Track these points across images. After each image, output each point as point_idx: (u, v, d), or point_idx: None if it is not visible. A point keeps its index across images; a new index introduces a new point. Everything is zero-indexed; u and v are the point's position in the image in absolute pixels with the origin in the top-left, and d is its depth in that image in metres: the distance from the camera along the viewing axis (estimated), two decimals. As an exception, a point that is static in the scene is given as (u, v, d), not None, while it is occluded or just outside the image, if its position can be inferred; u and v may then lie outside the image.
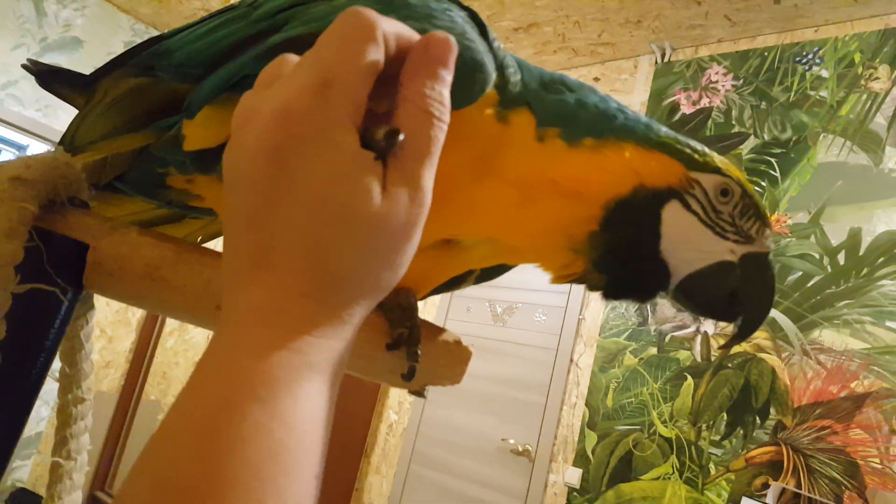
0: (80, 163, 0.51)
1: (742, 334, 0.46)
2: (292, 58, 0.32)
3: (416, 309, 0.46)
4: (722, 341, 2.71)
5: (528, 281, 3.45)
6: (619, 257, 0.45)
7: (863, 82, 2.70)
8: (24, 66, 0.56)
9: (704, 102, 3.12)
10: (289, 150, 0.28)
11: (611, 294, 0.47)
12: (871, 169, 2.58)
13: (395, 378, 0.44)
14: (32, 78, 0.55)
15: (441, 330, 0.48)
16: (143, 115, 0.48)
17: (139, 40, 4.03)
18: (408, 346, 0.44)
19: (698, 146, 0.47)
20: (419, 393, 0.47)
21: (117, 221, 0.42)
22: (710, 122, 3.07)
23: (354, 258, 0.29)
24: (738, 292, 0.45)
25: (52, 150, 0.45)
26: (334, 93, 0.28)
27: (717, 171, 0.46)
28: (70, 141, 0.51)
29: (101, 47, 4.14)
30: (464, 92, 0.38)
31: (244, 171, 0.29)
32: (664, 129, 0.47)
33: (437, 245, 0.47)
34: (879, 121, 2.61)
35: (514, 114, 0.43)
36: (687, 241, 0.44)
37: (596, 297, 2.28)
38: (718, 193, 0.45)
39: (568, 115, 0.44)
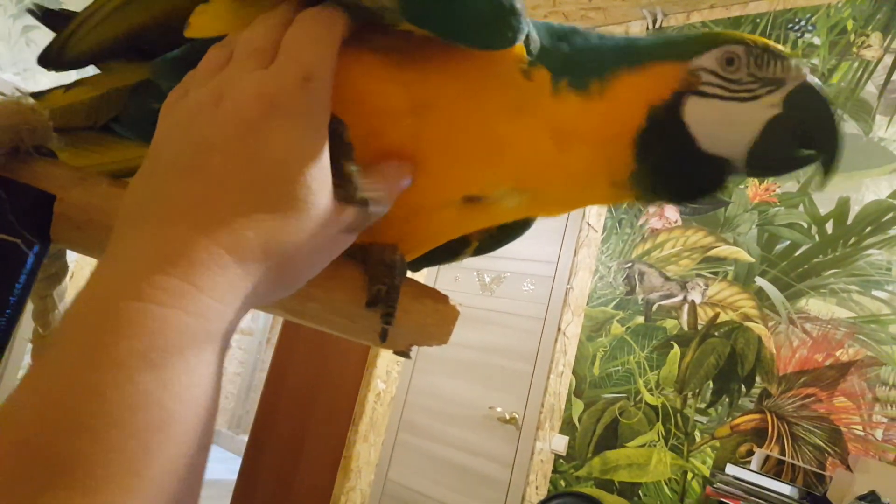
0: (61, 103, 0.49)
1: (828, 170, 0.44)
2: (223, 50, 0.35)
3: (396, 267, 0.45)
4: (710, 311, 2.72)
5: (516, 251, 3.44)
6: (668, 178, 0.44)
7: (854, 50, 2.68)
8: (29, 11, 0.53)
9: (695, 70, 3.10)
10: (269, 124, 0.31)
11: (678, 201, 0.47)
12: (861, 138, 2.57)
13: (376, 338, 0.43)
14: (9, 40, 0.51)
15: (428, 289, 0.47)
16: (150, 22, 0.46)
17: None
18: (384, 307, 0.43)
19: (680, 37, 0.46)
20: (404, 353, 0.46)
21: (87, 171, 0.39)
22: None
23: (296, 241, 0.30)
24: (803, 136, 0.43)
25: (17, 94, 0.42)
26: (315, 86, 0.33)
27: (711, 46, 0.44)
28: (57, 54, 0.49)
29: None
30: (497, 32, 0.39)
31: (204, 132, 0.31)
32: (642, 40, 0.46)
33: (456, 207, 0.46)
34: (870, 89, 2.60)
35: (535, 70, 0.43)
36: (723, 126, 0.42)
37: (585, 266, 2.29)
38: (724, 66, 0.44)
39: (571, 63, 0.44)
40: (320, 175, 0.32)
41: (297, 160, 0.31)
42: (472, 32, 0.40)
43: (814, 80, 0.43)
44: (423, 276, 3.80)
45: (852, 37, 2.70)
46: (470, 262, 3.62)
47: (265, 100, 0.31)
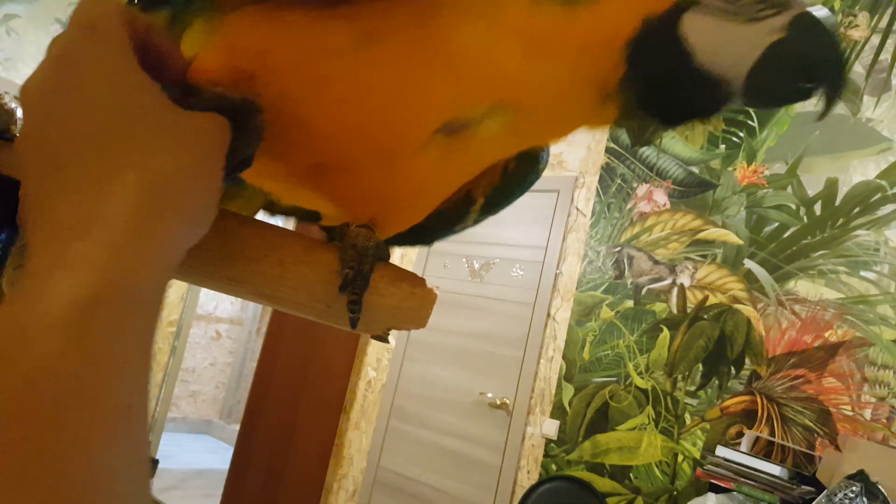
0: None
1: (829, 102, 0.42)
2: None
3: (369, 253, 0.43)
4: (699, 294, 2.73)
5: (505, 236, 3.43)
6: (658, 91, 0.41)
7: (842, 30, 2.67)
8: None
9: (683, 52, 3.08)
10: (69, 81, 0.31)
11: (667, 120, 0.44)
12: (849, 119, 2.57)
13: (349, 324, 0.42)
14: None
15: (405, 272, 0.45)
16: None
17: None
18: (351, 292, 0.41)
19: None
20: (382, 338, 0.44)
21: None
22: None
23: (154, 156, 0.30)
24: (804, 64, 0.41)
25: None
26: (99, 32, 0.32)
27: None
28: None
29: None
30: None
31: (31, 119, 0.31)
32: None
33: (437, 144, 0.43)
34: (858, 69, 2.59)
35: None
36: (721, 44, 0.40)
37: (574, 251, 2.27)
38: None
39: None
40: (143, 89, 0.32)
41: (111, 97, 0.31)
42: None
43: (821, 8, 0.41)
44: (412, 262, 3.79)
45: (840, 16, 2.69)
46: (459, 249, 3.61)
47: (56, 59, 0.31)
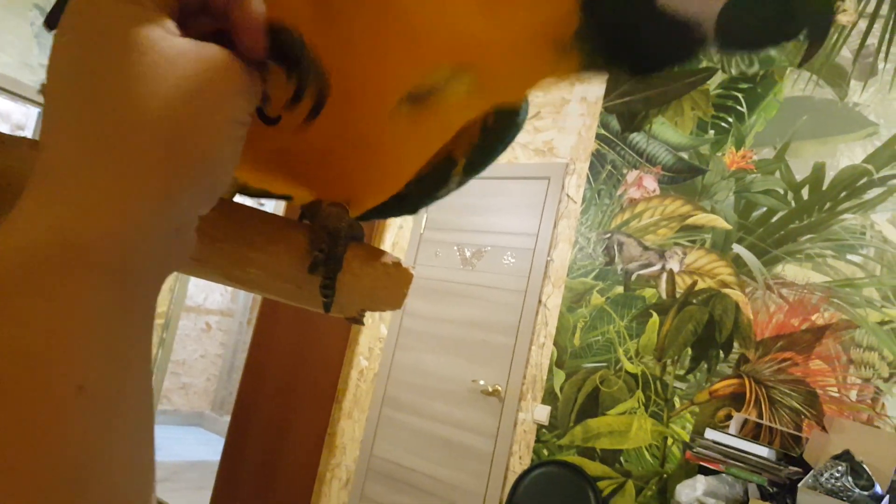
0: None
1: (813, 46, 0.38)
2: None
3: (340, 234, 0.41)
4: (688, 279, 2.74)
5: (497, 224, 3.43)
6: (620, 38, 0.38)
7: (829, 14, 2.67)
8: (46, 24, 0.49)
9: (671, 38, 3.08)
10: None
11: (636, 70, 0.40)
12: (836, 103, 2.57)
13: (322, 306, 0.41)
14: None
15: (380, 252, 0.45)
16: None
17: None
18: (323, 275, 0.40)
19: None
20: (357, 319, 0.44)
21: (5, 135, 0.37)
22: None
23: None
24: (787, 3, 0.37)
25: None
26: None
27: None
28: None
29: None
30: None
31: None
32: None
33: (404, 114, 0.41)
34: (845, 54, 2.59)
35: None
36: None
37: (565, 238, 2.26)
38: None
39: None
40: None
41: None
42: None
43: None
44: (403, 250, 3.78)
45: (827, 1, 2.69)
46: (450, 237, 3.61)
47: None
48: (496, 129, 0.48)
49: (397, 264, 0.43)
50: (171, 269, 0.27)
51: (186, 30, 0.28)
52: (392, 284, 0.43)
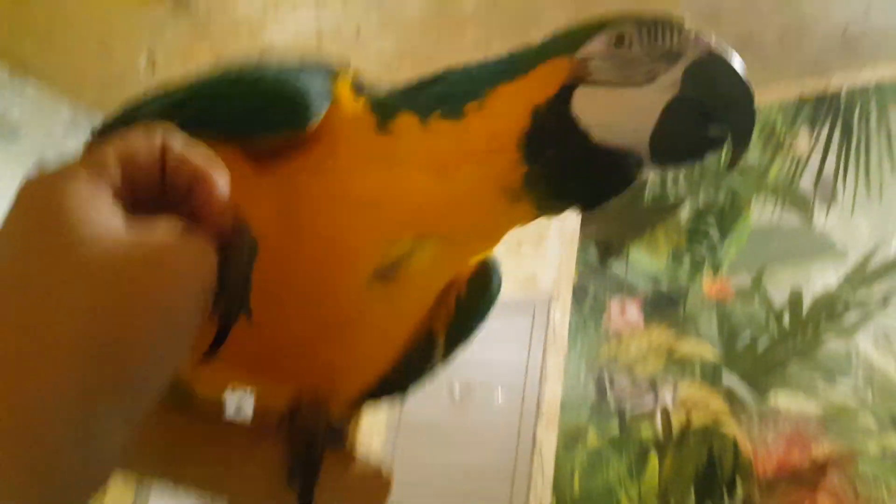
0: None
1: (739, 147, 0.40)
2: None
3: (318, 436, 0.41)
4: (682, 415, 2.70)
5: (486, 359, 3.41)
6: (564, 177, 0.40)
7: (786, 146, 2.81)
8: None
9: (639, 172, 3.20)
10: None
11: (586, 203, 0.42)
12: (804, 229, 2.66)
13: None
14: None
15: (358, 459, 0.44)
16: None
17: (83, 124, 3.85)
18: (300, 487, 0.39)
19: (568, 29, 0.43)
20: None
21: None
22: (647, 189, 3.14)
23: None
24: (707, 111, 0.39)
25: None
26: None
27: (598, 30, 0.41)
28: None
29: (41, 136, 4.01)
30: (289, 113, 0.39)
31: None
32: (533, 46, 0.43)
33: (375, 293, 0.42)
34: (805, 182, 2.71)
35: (394, 120, 0.42)
36: (616, 114, 0.39)
37: (554, 373, 2.23)
38: (613, 47, 0.40)
39: (444, 96, 0.42)
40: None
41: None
42: (265, 122, 0.40)
43: (718, 47, 0.39)
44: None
45: (782, 134, 2.84)
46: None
47: None
48: (471, 302, 0.50)
49: (376, 473, 0.43)
50: (95, 486, 0.24)
51: (136, 208, 0.28)
52: (370, 494, 0.42)
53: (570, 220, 3.37)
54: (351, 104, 0.43)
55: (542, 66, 0.41)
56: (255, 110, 0.40)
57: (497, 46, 0.42)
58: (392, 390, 0.51)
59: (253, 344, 0.38)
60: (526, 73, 0.41)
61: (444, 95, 0.43)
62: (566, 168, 0.40)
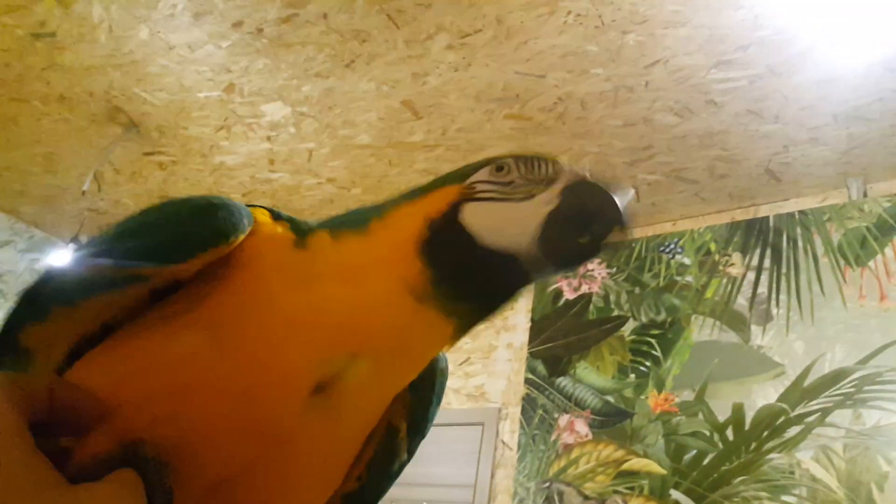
0: None
1: (612, 248, 0.46)
2: None
3: None
4: (632, 529, 2.67)
5: (432, 475, 3.32)
6: (463, 280, 0.45)
7: (721, 268, 2.98)
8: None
9: (585, 289, 3.33)
10: None
11: (487, 307, 0.47)
12: (742, 346, 2.78)
13: None
14: None
15: None
16: None
17: (19, 240, 3.72)
18: None
19: (462, 167, 0.50)
20: None
21: None
22: (591, 306, 3.26)
23: None
24: (582, 220, 0.45)
25: None
26: None
27: (484, 165, 0.48)
28: None
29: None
30: (216, 229, 0.43)
31: None
32: (430, 181, 0.50)
33: (317, 412, 0.43)
34: (741, 302, 2.86)
35: (310, 237, 0.47)
36: (500, 223, 0.45)
37: (503, 489, 2.21)
38: (495, 173, 0.47)
39: (354, 216, 0.49)
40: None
41: None
42: (177, 249, 0.43)
43: (589, 175, 0.47)
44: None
45: (717, 257, 3.02)
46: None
47: None
48: (423, 383, 0.53)
49: None
50: None
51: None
52: None
53: (518, 334, 3.44)
54: (270, 225, 0.48)
55: (436, 192, 0.48)
56: (183, 233, 0.44)
57: (445, 171, 0.52)
58: (367, 497, 0.53)
59: (203, 475, 0.41)
60: (423, 195, 0.48)
61: (351, 216, 0.49)
62: (462, 269, 0.45)
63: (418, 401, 0.54)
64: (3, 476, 0.29)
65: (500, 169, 0.47)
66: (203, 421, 0.39)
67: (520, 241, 0.44)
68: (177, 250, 0.43)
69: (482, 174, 0.48)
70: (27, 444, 0.31)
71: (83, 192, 3.24)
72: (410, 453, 0.55)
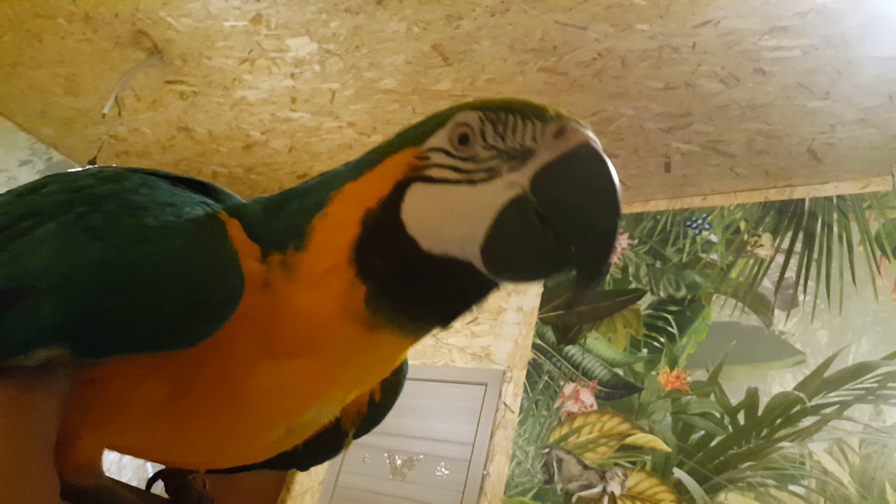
0: None
1: (588, 274, 0.32)
2: None
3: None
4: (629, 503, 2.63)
5: (432, 430, 3.30)
6: (402, 293, 0.35)
7: (749, 248, 2.88)
8: None
9: (604, 258, 3.23)
10: None
11: (433, 321, 0.37)
12: (763, 330, 2.69)
13: None
14: None
15: None
16: None
17: (38, 161, 3.73)
18: None
19: (422, 120, 0.39)
20: None
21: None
22: (608, 277, 3.16)
23: None
24: (554, 224, 0.33)
25: None
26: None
27: (444, 122, 0.37)
28: None
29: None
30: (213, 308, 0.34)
31: None
32: (387, 140, 0.39)
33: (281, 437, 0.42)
34: (767, 285, 2.76)
35: (268, 266, 0.38)
36: (446, 218, 0.34)
37: (502, 450, 2.17)
38: (457, 143, 0.36)
39: (295, 218, 0.38)
40: None
41: None
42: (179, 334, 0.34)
43: (582, 146, 0.34)
44: (326, 463, 3.56)
45: (745, 236, 2.91)
46: (381, 442, 3.43)
47: None
48: (384, 403, 0.49)
49: None
50: None
51: None
52: None
53: (528, 297, 3.36)
54: (243, 242, 0.39)
55: (389, 160, 0.37)
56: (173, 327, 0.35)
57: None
58: (290, 464, 0.49)
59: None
60: (372, 168, 0.37)
61: (294, 219, 0.39)
62: (401, 281, 0.35)
63: (373, 415, 0.50)
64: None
65: (463, 140, 0.36)
66: (171, 452, 0.40)
67: (465, 243, 0.34)
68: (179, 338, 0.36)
69: (441, 137, 0.36)
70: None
71: (103, 116, 3.18)
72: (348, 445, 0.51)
